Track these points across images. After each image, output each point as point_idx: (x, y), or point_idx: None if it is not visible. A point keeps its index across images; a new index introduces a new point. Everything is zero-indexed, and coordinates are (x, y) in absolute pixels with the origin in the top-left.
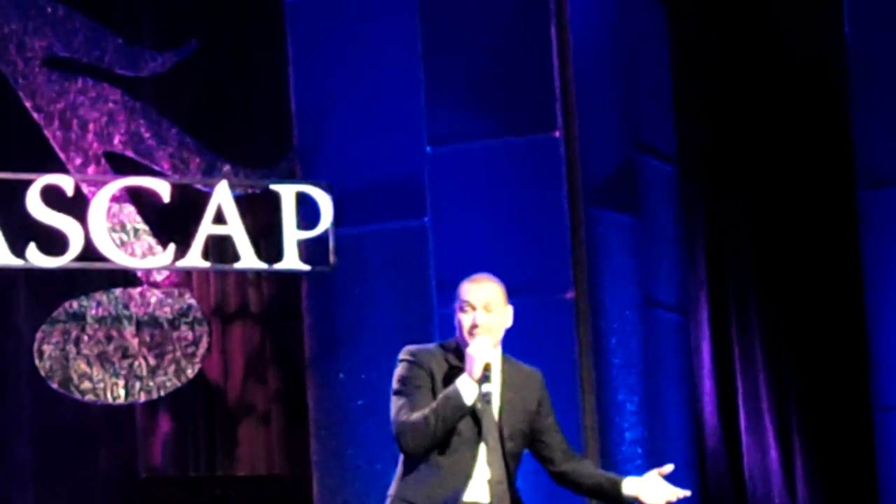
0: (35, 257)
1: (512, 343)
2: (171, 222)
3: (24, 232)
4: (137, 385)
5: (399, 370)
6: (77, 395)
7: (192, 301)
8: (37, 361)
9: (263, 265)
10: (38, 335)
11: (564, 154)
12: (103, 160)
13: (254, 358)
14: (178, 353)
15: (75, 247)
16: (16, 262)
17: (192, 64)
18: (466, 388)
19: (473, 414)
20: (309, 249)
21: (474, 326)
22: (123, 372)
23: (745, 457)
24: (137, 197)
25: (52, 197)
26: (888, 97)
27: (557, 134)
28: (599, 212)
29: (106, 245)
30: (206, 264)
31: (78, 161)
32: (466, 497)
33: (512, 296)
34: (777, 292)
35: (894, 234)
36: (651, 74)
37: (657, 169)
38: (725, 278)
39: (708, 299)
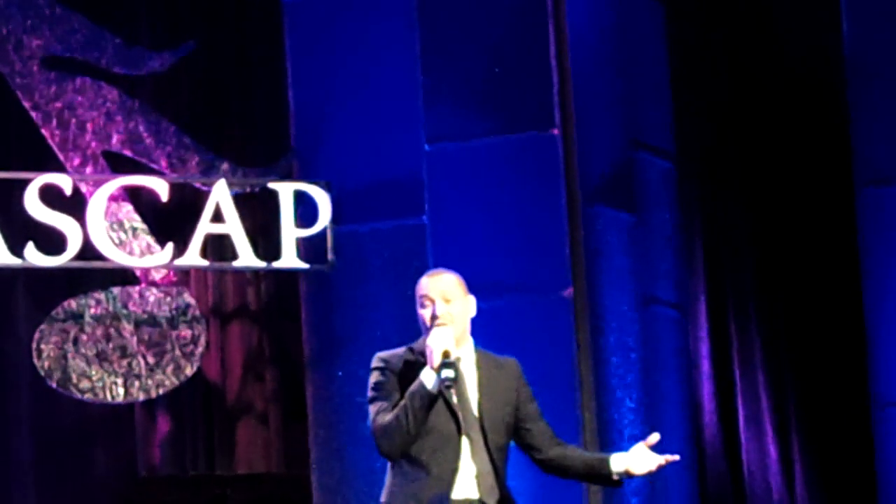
0: (33, 256)
1: (510, 341)
2: (170, 221)
3: (23, 231)
4: (136, 384)
5: (371, 377)
6: (76, 394)
7: (191, 300)
8: (35, 360)
9: (262, 264)
10: (37, 334)
11: (562, 152)
12: (101, 159)
13: (252, 356)
14: (177, 352)
15: (73, 246)
16: (14, 261)
17: (191, 63)
18: (428, 378)
19: (451, 409)
20: (307, 248)
21: (434, 318)
22: (122, 371)
23: (743, 454)
24: (136, 196)
25: (51, 196)
26: (887, 95)
27: (556, 132)
28: (598, 210)
29: (104, 244)
30: (205, 263)
31: (76, 160)
32: (455, 494)
33: (510, 293)
34: (776, 290)
35: (893, 231)
36: (649, 72)
37: (655, 167)
38: (724, 276)
39: (706, 297)
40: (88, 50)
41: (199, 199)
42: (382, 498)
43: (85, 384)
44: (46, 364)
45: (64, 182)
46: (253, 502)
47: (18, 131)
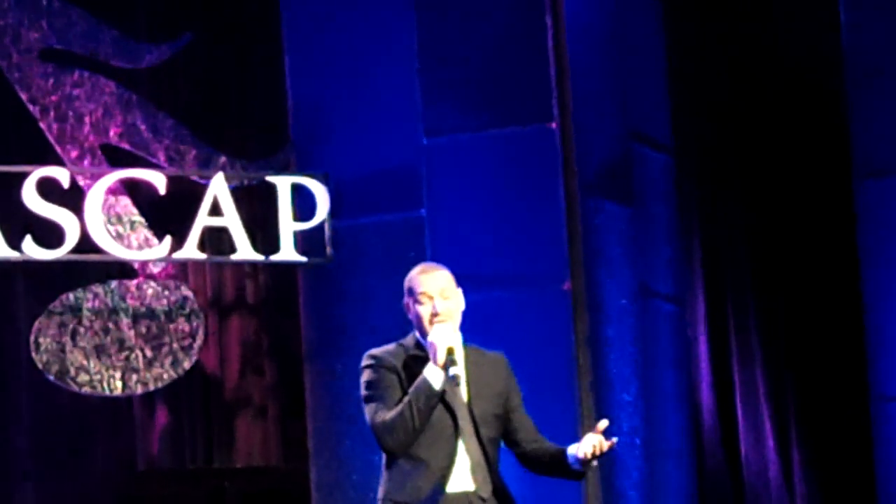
0: (31, 250)
1: (508, 333)
2: (168, 214)
3: (21, 224)
4: (134, 377)
5: (365, 376)
6: (74, 388)
7: (189, 293)
8: (33, 354)
9: (260, 257)
10: (35, 327)
11: (560, 145)
12: (99, 152)
13: (250, 350)
14: (175, 345)
15: (71, 239)
16: (12, 254)
17: (188, 56)
18: (434, 375)
19: (446, 404)
20: (305, 241)
21: (435, 315)
22: (120, 364)
23: (741, 446)
24: (133, 189)
25: (49, 189)
26: (885, 87)
27: (553, 125)
28: (595, 203)
29: (102, 237)
30: (203, 256)
31: (74, 153)
32: (450, 487)
33: (508, 286)
34: (774, 282)
35: (891, 223)
36: (647, 65)
37: (653, 159)
38: (722, 268)
39: (704, 289)
40: (86, 43)
41: (197, 192)
42: (380, 492)
43: (83, 377)
44: (44, 357)
45: (62, 175)
46: (251, 495)
47: (16, 124)
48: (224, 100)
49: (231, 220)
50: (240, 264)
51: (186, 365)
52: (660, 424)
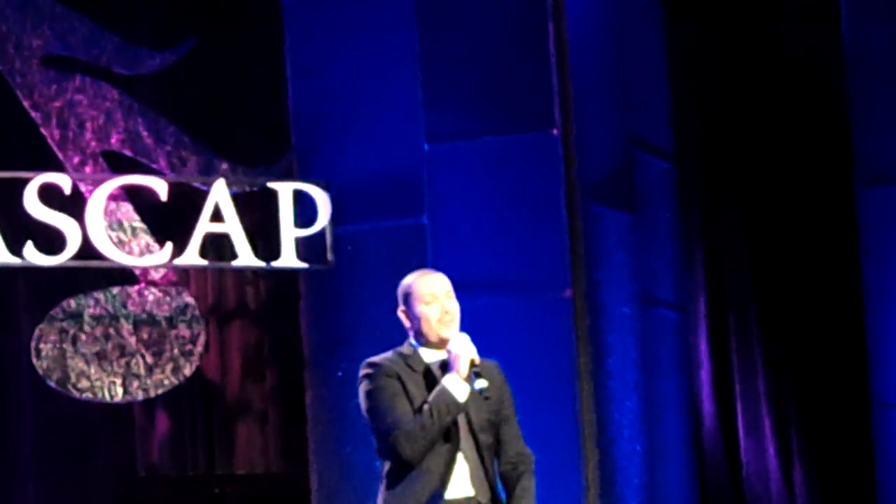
0: (33, 256)
1: (510, 340)
2: (169, 220)
3: (22, 230)
4: (135, 383)
5: (367, 385)
6: (75, 394)
7: (190, 299)
8: (34, 360)
9: (261, 263)
10: (36, 333)
11: (562, 152)
12: (101, 159)
13: (251, 356)
14: (176, 352)
15: (73, 245)
16: (14, 260)
17: (190, 62)
18: (456, 387)
19: None
20: (306, 247)
21: (446, 313)
22: (121, 370)
23: (742, 453)
24: (135, 195)
25: (50, 195)
26: (887, 94)
27: (555, 132)
28: (597, 209)
29: (103, 243)
30: (204, 262)
31: (76, 160)
32: (449, 494)
33: (509, 293)
34: (775, 289)
35: (893, 230)
36: (648, 72)
37: (655, 167)
38: (723, 275)
39: (706, 296)
40: (88, 49)
41: (198, 198)
42: (379, 499)
43: (84, 383)
44: (45, 364)
45: (63, 181)
46: (252, 501)
47: (18, 130)
48: (226, 106)
49: (232, 226)
50: (241, 270)
51: (187, 371)
52: (660, 431)
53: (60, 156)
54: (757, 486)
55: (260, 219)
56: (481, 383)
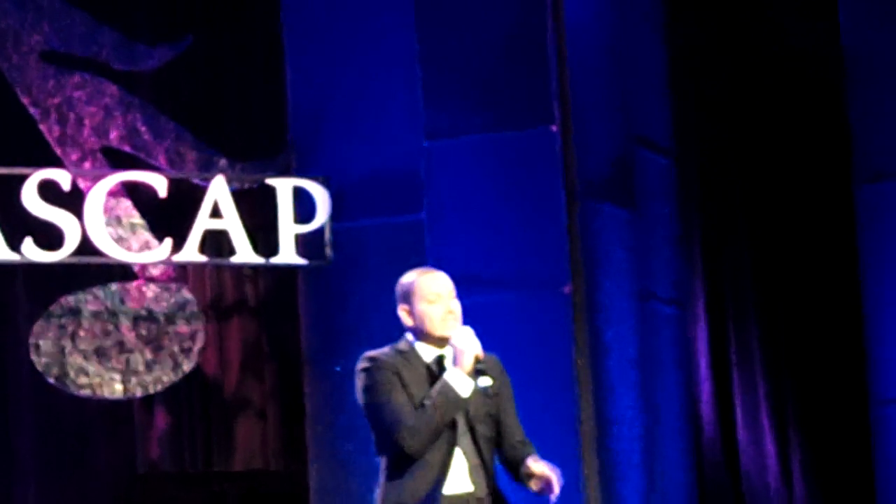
0: (31, 252)
1: (508, 336)
2: (168, 217)
3: (21, 227)
4: (134, 380)
5: (365, 380)
6: (73, 390)
7: (189, 295)
8: (33, 356)
9: (260, 259)
10: (35, 330)
11: (561, 148)
12: (100, 155)
13: (250, 352)
14: (175, 348)
15: (72, 241)
16: (12, 256)
17: (189, 59)
18: (459, 382)
19: None
20: (305, 244)
21: (450, 313)
22: (120, 367)
23: (741, 449)
24: (134, 191)
25: (49, 192)
26: (885, 90)
27: (554, 128)
28: (596, 205)
29: (102, 240)
30: (203, 259)
31: (74, 156)
32: (448, 488)
33: (509, 289)
34: (774, 286)
35: (891, 226)
36: (648, 68)
37: (654, 163)
38: (722, 271)
39: (704, 292)
40: (87, 45)
41: (197, 194)
42: (378, 494)
43: (83, 380)
44: (44, 360)
45: (62, 178)
46: (251, 498)
47: (17, 127)
48: (225, 103)
49: (231, 222)
50: (240, 267)
51: (186, 368)
52: (659, 427)
53: (59, 152)
54: (755, 481)
55: (259, 215)
56: (485, 381)
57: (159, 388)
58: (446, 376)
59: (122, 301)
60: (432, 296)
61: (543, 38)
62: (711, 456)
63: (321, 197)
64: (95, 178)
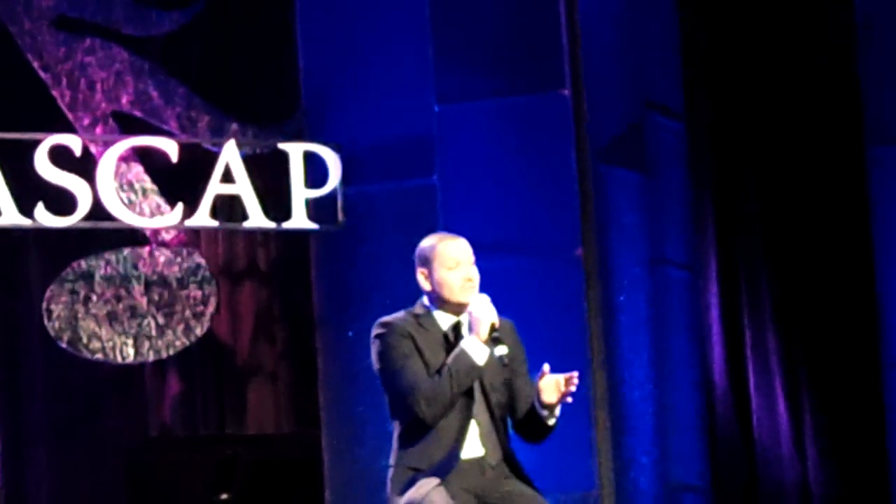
0: (43, 217)
1: (520, 300)
2: (179, 182)
3: (33, 192)
4: (146, 344)
5: (380, 345)
6: (86, 355)
7: (201, 260)
8: (46, 321)
9: (272, 224)
10: (47, 295)
11: (573, 112)
12: (111, 120)
13: (262, 317)
14: (187, 313)
15: (83, 206)
16: (24, 221)
17: (200, 23)
18: (475, 350)
19: None
20: (317, 208)
21: (468, 280)
22: (132, 331)
23: (753, 413)
24: (145, 156)
25: (60, 157)
26: None
27: (566, 92)
28: (608, 170)
29: (114, 205)
30: (215, 223)
31: (86, 121)
32: (463, 454)
33: (521, 254)
34: (786, 249)
35: None
36: (659, 32)
37: (666, 127)
38: (734, 235)
39: (716, 256)
40: (98, 10)
41: (208, 159)
42: (392, 458)
43: (95, 345)
44: (57, 325)
45: (74, 143)
46: (263, 462)
47: (28, 92)
48: (236, 67)
49: (243, 187)
50: (252, 231)
51: (198, 332)
52: (672, 391)
53: (70, 117)
54: (767, 444)
55: (270, 180)
56: (501, 349)
57: (171, 352)
58: (463, 344)
59: (135, 266)
60: (451, 262)
61: (555, 2)
62: (723, 419)
63: (333, 161)
64: (107, 144)
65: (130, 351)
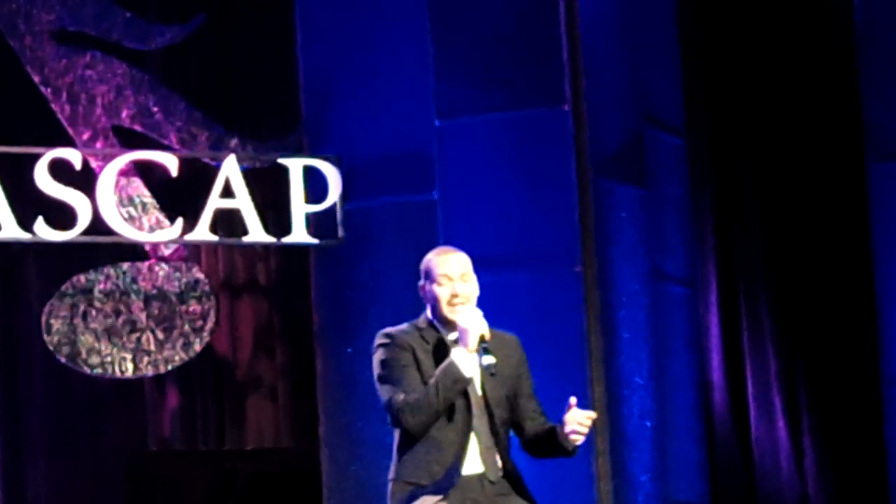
0: (43, 231)
1: (521, 316)
2: (179, 196)
3: (33, 206)
4: (145, 359)
5: (380, 354)
6: (85, 370)
7: (200, 275)
8: (45, 336)
9: (271, 239)
10: (47, 309)
11: (573, 127)
12: (111, 134)
13: (262, 332)
14: (186, 327)
15: (83, 221)
16: (24, 235)
17: (201, 37)
18: (463, 361)
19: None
20: (317, 223)
21: (455, 296)
22: (131, 346)
23: (753, 429)
24: (145, 171)
25: (60, 171)
26: None
27: (566, 107)
28: (608, 185)
29: (114, 219)
30: (214, 238)
31: (86, 135)
32: (464, 470)
33: (520, 269)
34: (786, 265)
35: None
36: (659, 47)
37: (666, 142)
38: (734, 251)
39: (716, 272)
40: (98, 24)
41: (208, 174)
42: (391, 472)
43: (94, 359)
44: (56, 339)
45: (74, 157)
46: (262, 476)
47: (28, 106)
48: (236, 82)
49: (243, 202)
50: (251, 246)
51: (198, 347)
52: (671, 407)
53: (71, 131)
54: (767, 461)
55: (270, 194)
56: (489, 359)
57: (171, 367)
58: (451, 355)
59: (134, 280)
60: (440, 277)
61: (556, 17)
62: (722, 434)
63: (333, 176)
64: (107, 158)
65: (129, 366)
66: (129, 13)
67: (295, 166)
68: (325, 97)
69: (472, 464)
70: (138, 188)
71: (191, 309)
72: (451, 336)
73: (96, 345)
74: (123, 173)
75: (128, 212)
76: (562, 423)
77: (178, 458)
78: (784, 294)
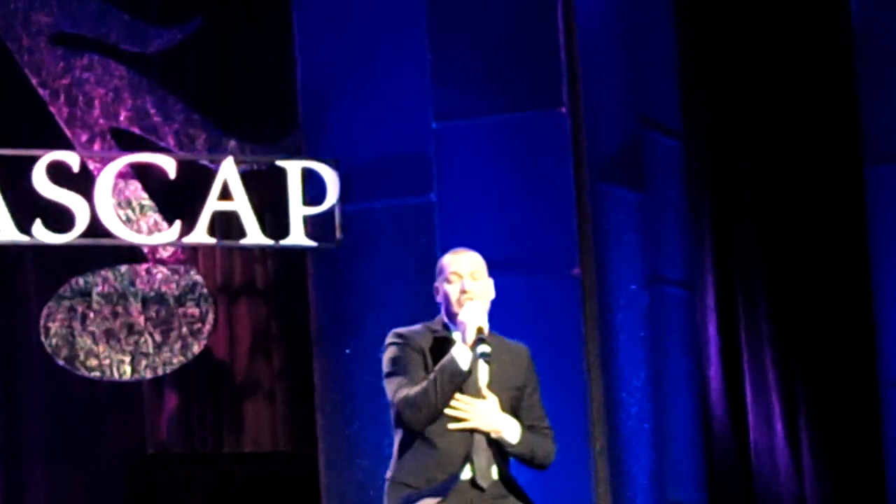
0: (41, 234)
1: (518, 319)
2: (177, 199)
3: (30, 208)
4: (143, 362)
5: (389, 353)
6: (83, 372)
7: (198, 278)
8: (43, 338)
9: (269, 241)
10: (44, 312)
11: (570, 130)
12: (109, 136)
13: (260, 335)
14: (184, 330)
15: (81, 223)
16: (22, 238)
17: (198, 40)
18: (462, 355)
19: (463, 391)
20: (315, 226)
21: (463, 293)
22: (129, 349)
23: (750, 430)
24: (143, 173)
25: (58, 173)
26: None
27: (563, 110)
28: (605, 188)
29: (112, 221)
30: (212, 241)
31: (84, 137)
32: (464, 475)
33: (518, 272)
34: (783, 268)
35: None
36: (657, 50)
37: (664, 145)
38: (732, 254)
39: (714, 275)
40: (96, 26)
41: (206, 176)
42: (389, 473)
43: (92, 362)
44: (54, 342)
45: (72, 159)
46: (260, 479)
47: (26, 108)
48: (234, 84)
49: (241, 204)
50: (249, 249)
51: (196, 349)
52: (669, 409)
53: (68, 133)
54: (765, 464)
55: (268, 197)
56: (483, 347)
57: (168, 370)
58: (451, 350)
59: (132, 283)
60: (451, 275)
61: (553, 20)
62: (720, 436)
63: (331, 179)
64: (105, 160)
65: (127, 368)
66: (128, 16)
67: (293, 169)
68: (323, 99)
69: (469, 468)
70: (136, 190)
71: (189, 311)
72: (460, 335)
73: (94, 347)
74: (121, 175)
75: (126, 214)
76: None
77: (176, 460)
78: (782, 296)
